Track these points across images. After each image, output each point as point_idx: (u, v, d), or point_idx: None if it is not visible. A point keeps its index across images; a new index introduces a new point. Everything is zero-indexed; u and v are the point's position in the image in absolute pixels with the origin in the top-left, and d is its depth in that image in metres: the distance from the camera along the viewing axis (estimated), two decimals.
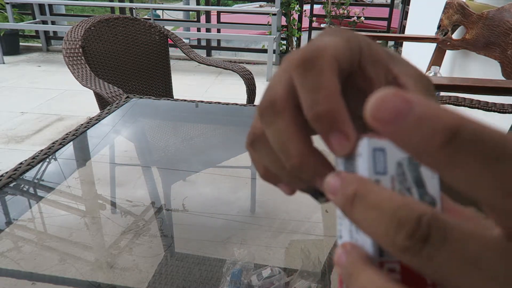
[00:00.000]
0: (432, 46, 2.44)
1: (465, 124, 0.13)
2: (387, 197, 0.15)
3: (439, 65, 2.37)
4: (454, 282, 0.14)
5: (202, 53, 5.14)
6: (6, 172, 0.81)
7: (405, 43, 3.92)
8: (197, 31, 5.53)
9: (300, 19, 4.80)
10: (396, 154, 0.18)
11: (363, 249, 0.17)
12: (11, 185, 0.79)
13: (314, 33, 4.96)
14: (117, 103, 1.24)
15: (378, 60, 0.21)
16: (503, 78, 1.72)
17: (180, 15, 7.88)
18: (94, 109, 1.69)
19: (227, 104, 1.30)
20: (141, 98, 1.31)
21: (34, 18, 5.22)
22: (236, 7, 7.67)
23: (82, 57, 1.67)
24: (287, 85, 0.20)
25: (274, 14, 4.50)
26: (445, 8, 2.36)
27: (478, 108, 1.32)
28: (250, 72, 1.91)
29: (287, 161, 0.20)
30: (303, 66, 0.19)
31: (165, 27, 2.09)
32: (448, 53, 2.44)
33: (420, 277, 0.16)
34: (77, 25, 1.77)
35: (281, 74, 0.21)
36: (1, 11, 4.83)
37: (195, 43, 5.62)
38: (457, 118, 0.13)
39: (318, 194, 0.22)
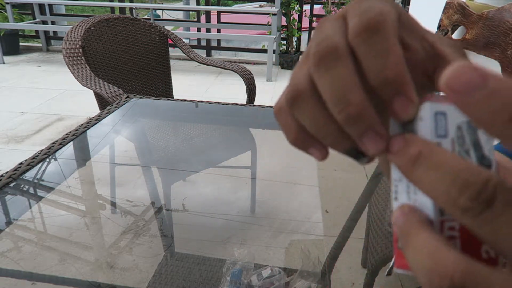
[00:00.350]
0: None
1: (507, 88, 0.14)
2: (452, 159, 0.15)
3: None
4: (508, 246, 0.14)
5: (202, 53, 5.14)
6: (6, 172, 0.81)
7: None
8: (197, 31, 5.53)
9: (300, 19, 4.80)
10: (456, 117, 0.18)
11: (422, 211, 0.18)
12: (11, 185, 0.79)
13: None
14: (117, 103, 1.24)
15: (414, 28, 0.22)
16: None
17: (180, 15, 7.88)
18: (94, 109, 1.69)
19: (227, 104, 1.30)
20: (141, 98, 1.31)
21: (34, 18, 5.22)
22: (236, 7, 7.67)
23: (82, 57, 1.67)
24: (345, 37, 0.20)
25: (274, 14, 4.50)
26: (445, 8, 2.36)
27: None
28: (250, 72, 1.91)
29: (345, 109, 0.19)
30: (369, 31, 0.19)
31: (165, 27, 2.09)
32: None
33: (476, 237, 0.17)
34: (77, 25, 1.77)
35: (333, 26, 0.20)
36: (1, 11, 4.82)
37: (195, 43, 5.62)
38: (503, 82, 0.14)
39: (360, 155, 0.22)
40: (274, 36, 4.38)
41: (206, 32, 5.36)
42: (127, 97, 1.29)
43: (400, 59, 0.18)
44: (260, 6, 7.16)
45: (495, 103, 0.14)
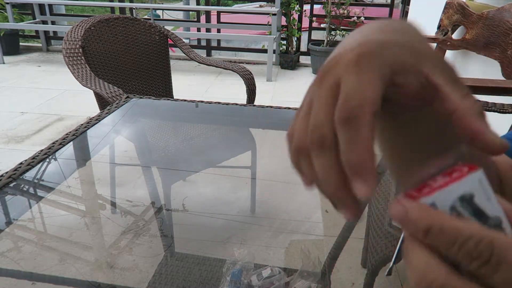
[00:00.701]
0: (432, 46, 2.44)
1: (434, 224, 0.21)
2: (419, 260, 0.22)
3: None
4: None
5: (202, 53, 5.13)
6: (6, 172, 0.81)
7: None
8: (197, 31, 5.53)
9: (300, 19, 4.79)
10: (446, 201, 0.22)
11: None
12: (11, 185, 0.79)
13: (314, 33, 4.95)
14: (117, 103, 1.24)
15: (407, 68, 0.25)
16: (503, 78, 1.72)
17: (180, 15, 7.87)
18: (94, 109, 1.68)
19: (227, 104, 1.30)
20: (141, 98, 1.31)
21: (34, 18, 5.21)
22: (236, 7, 7.67)
23: (82, 57, 1.67)
24: (332, 122, 0.25)
25: (274, 14, 4.50)
26: (445, 8, 2.36)
27: None
28: (250, 72, 1.91)
29: (326, 190, 0.26)
30: (346, 121, 0.24)
31: (165, 27, 2.09)
32: (448, 53, 2.44)
33: None
34: (77, 25, 1.77)
35: (326, 102, 0.25)
36: (1, 11, 4.82)
37: (195, 43, 5.62)
38: (430, 219, 0.21)
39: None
40: (274, 36, 4.38)
41: (206, 32, 5.36)
42: (127, 97, 1.29)
43: (365, 148, 0.23)
44: (260, 6, 7.16)
45: (414, 226, 0.22)
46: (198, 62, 2.04)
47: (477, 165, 0.22)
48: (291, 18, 4.63)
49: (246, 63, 5.04)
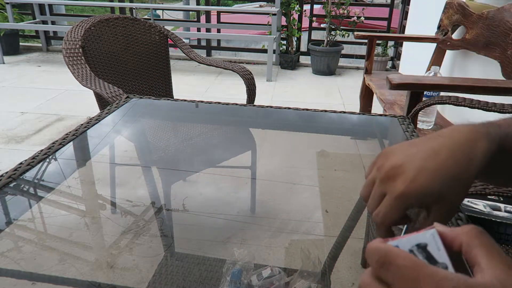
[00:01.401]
0: (432, 46, 2.44)
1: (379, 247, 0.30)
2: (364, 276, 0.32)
3: (439, 65, 2.37)
4: None
5: (202, 53, 5.13)
6: (6, 172, 0.81)
7: (405, 43, 3.92)
8: (197, 31, 5.53)
9: (300, 19, 4.79)
10: (406, 246, 0.29)
11: None
12: (11, 185, 0.79)
13: (314, 33, 4.95)
14: (117, 103, 1.24)
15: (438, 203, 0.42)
16: (503, 78, 1.72)
17: (180, 15, 7.87)
18: (94, 109, 1.68)
19: (227, 104, 1.30)
20: (141, 98, 1.31)
21: (34, 18, 5.21)
22: (236, 7, 7.67)
23: (82, 57, 1.67)
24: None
25: (274, 14, 4.50)
26: (445, 8, 2.36)
27: (478, 108, 1.32)
28: (250, 72, 1.91)
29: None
30: (374, 221, 0.43)
31: (165, 27, 2.09)
32: (448, 53, 2.43)
33: None
34: (77, 25, 1.77)
35: (375, 201, 0.43)
36: (1, 11, 4.82)
37: (195, 43, 5.62)
38: (378, 246, 0.31)
39: None
40: (274, 36, 4.38)
41: (206, 32, 5.36)
42: (127, 97, 1.29)
43: (380, 235, 0.42)
44: (260, 6, 7.16)
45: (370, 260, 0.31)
46: (198, 62, 2.04)
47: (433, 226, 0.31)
48: (291, 18, 4.63)
49: (246, 63, 5.04)
